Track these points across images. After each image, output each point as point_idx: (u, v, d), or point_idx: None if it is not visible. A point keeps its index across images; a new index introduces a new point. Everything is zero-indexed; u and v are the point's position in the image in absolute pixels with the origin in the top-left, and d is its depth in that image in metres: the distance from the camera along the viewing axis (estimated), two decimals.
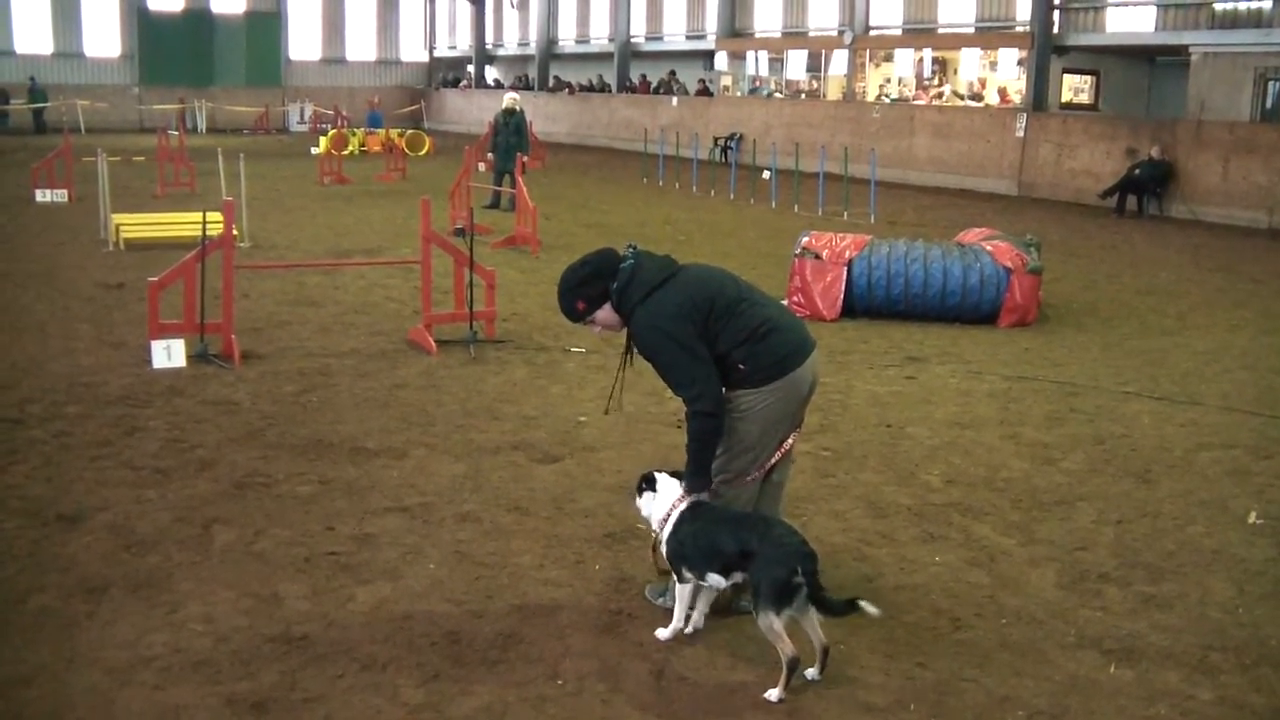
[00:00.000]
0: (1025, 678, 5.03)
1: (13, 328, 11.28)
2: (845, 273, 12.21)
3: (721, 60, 38.68)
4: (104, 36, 48.28)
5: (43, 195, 21.16)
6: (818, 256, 12.27)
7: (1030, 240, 12.95)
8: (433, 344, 10.55)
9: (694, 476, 5.28)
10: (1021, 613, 5.64)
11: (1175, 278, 15.95)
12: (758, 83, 37.45)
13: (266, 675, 4.91)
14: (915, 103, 31.49)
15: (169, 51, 48.40)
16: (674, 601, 5.32)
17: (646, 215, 21.38)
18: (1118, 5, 28.21)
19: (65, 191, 21.24)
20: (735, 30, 38.15)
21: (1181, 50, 25.94)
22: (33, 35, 46.89)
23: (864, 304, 12.33)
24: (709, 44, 39.34)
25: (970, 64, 31.23)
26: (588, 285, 5.46)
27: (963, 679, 5.00)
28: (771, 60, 37.44)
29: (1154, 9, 27.35)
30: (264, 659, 5.04)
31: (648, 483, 5.40)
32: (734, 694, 4.85)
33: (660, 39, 42.93)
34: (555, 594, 5.73)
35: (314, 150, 32.76)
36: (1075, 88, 30.34)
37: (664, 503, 5.30)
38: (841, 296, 12.21)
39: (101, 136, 35.61)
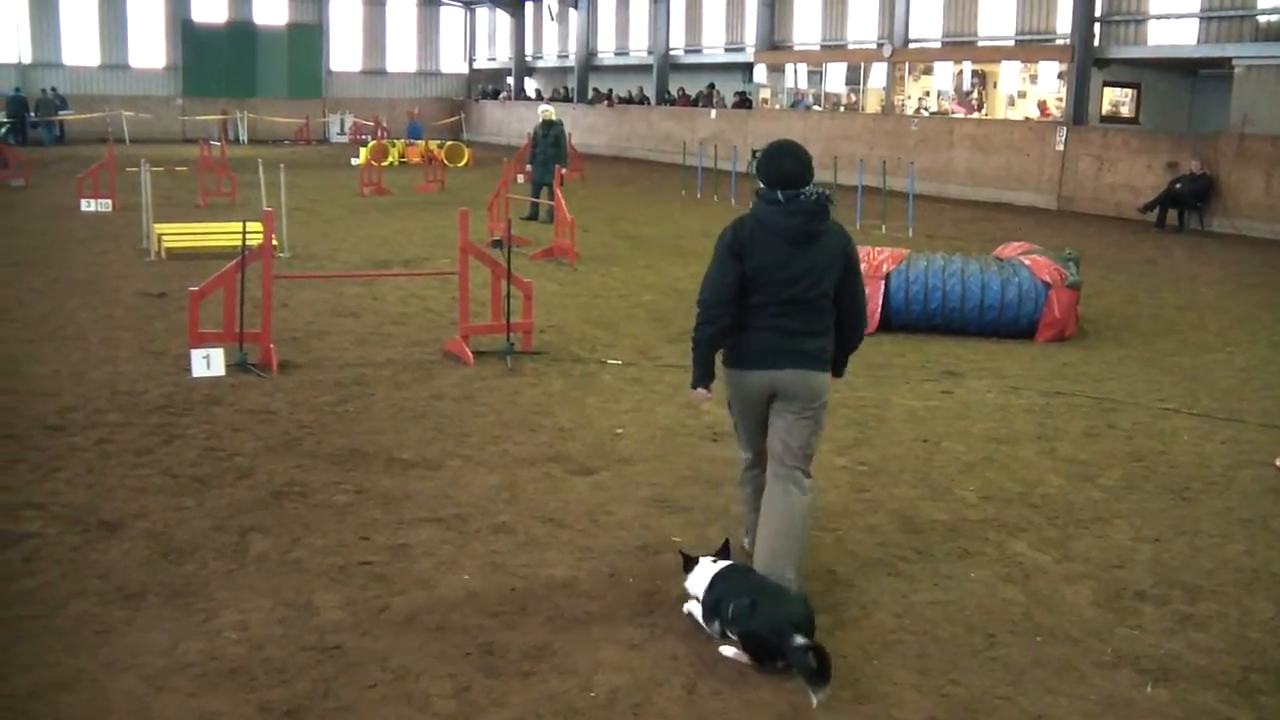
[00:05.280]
0: (1060, 696, 4.99)
1: (56, 336, 11.42)
2: (883, 286, 12.17)
3: (760, 73, 38.66)
4: (149, 48, 48.80)
5: (88, 205, 21.44)
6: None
7: (1069, 255, 12.88)
8: (470, 355, 10.59)
9: (692, 369, 5.94)
10: (1056, 630, 5.61)
11: (1216, 293, 15.81)
12: (799, 95, 37.41)
13: (300, 683, 4.94)
14: (954, 115, 31.38)
15: (212, 63, 48.88)
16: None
17: (685, 227, 21.39)
18: (1159, 18, 28.01)
19: (109, 201, 21.50)
20: (774, 42, 38.15)
21: (1224, 63, 25.74)
22: (81, 47, 47.46)
23: (901, 318, 12.29)
24: (748, 56, 39.31)
25: (1010, 77, 31.08)
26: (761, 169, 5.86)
27: (996, 697, 4.98)
28: (810, 72, 37.39)
29: (1196, 21, 27.13)
30: (298, 667, 5.07)
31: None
32: (765, 709, 4.84)
33: (699, 51, 42.96)
34: (589, 606, 5.74)
35: (354, 161, 32.96)
36: (1116, 101, 30.14)
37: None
38: (879, 310, 12.17)
39: (145, 147, 35.97)
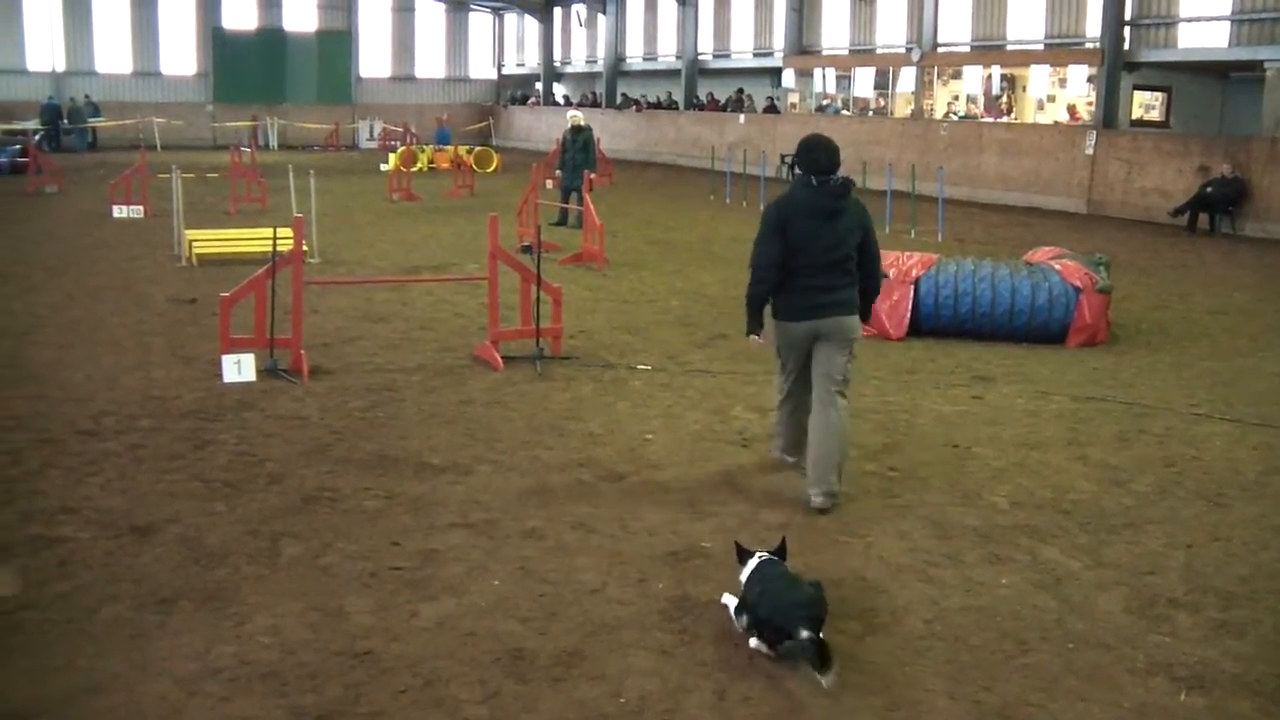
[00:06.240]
0: (1093, 704, 4.96)
1: (89, 341, 11.50)
2: (912, 291, 12.15)
3: (789, 77, 38.62)
4: (181, 55, 49.15)
5: (120, 211, 21.60)
6: (885, 275, 12.18)
7: (1099, 259, 12.82)
8: (499, 361, 10.61)
9: (746, 321, 7.49)
10: (1089, 637, 5.57)
11: (1248, 297, 15.70)
12: (828, 100, 37.36)
13: (331, 689, 4.96)
14: (983, 120, 31.27)
15: (242, 69, 49.17)
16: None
17: (714, 232, 21.38)
18: (1190, 20, 27.82)
19: (141, 207, 21.66)
20: (803, 47, 38.09)
21: (1256, 66, 25.53)
22: (113, 55, 47.86)
23: (931, 323, 12.25)
24: (776, 61, 39.27)
25: (1039, 81, 30.95)
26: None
27: (1029, 704, 4.95)
28: (839, 77, 37.34)
29: (1228, 24, 26.92)
30: (329, 672, 5.09)
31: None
32: (795, 715, 4.83)
33: (728, 56, 42.92)
34: (619, 612, 5.73)
35: (383, 167, 33.09)
36: (1146, 104, 29.95)
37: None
38: (908, 315, 12.15)
39: (176, 153, 36.22)
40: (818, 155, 7.23)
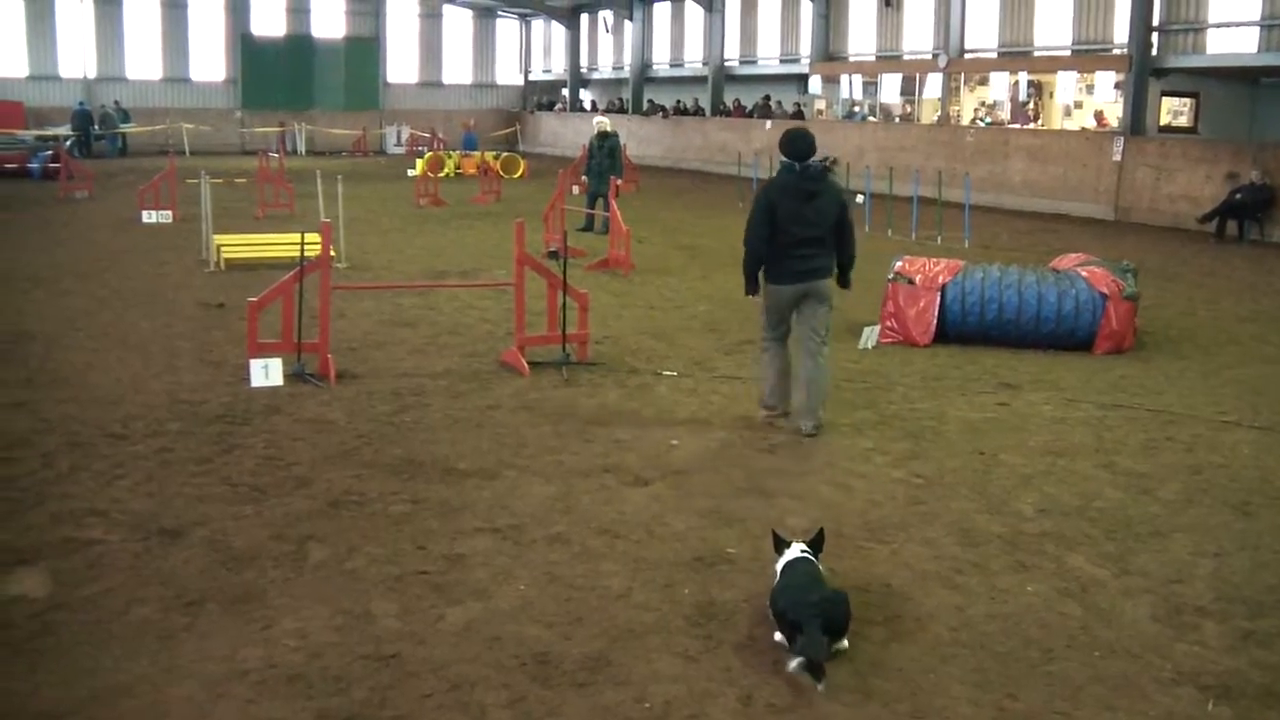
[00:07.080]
0: (1119, 713, 4.94)
1: (119, 345, 11.58)
2: (939, 298, 12.11)
3: (815, 83, 38.55)
4: (210, 61, 49.45)
5: (149, 216, 21.74)
6: (911, 281, 12.19)
7: (1127, 266, 12.76)
8: (525, 366, 10.64)
9: (745, 285, 9.17)
10: (1115, 645, 5.55)
11: (1276, 304, 15.59)
12: (855, 108, 37.31)
13: (357, 692, 4.98)
14: (1010, 126, 31.15)
15: (270, 75, 49.41)
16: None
17: (740, 238, 21.30)
18: (1219, 26, 27.65)
19: (170, 213, 21.78)
20: (829, 53, 38.04)
21: None
22: (143, 61, 48.20)
23: (957, 329, 12.21)
24: (803, 67, 39.22)
25: (1067, 87, 30.81)
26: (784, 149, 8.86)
27: (1054, 712, 4.93)
28: (865, 83, 37.28)
29: (1257, 29, 26.74)
30: (355, 676, 5.11)
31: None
32: None
33: (754, 62, 42.88)
34: (644, 617, 5.74)
35: (410, 172, 33.20)
36: (1174, 110, 29.77)
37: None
38: (935, 322, 12.12)
39: (205, 159, 36.42)
40: (797, 145, 8.77)
